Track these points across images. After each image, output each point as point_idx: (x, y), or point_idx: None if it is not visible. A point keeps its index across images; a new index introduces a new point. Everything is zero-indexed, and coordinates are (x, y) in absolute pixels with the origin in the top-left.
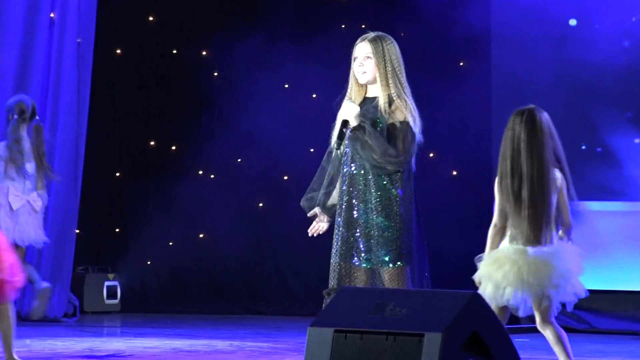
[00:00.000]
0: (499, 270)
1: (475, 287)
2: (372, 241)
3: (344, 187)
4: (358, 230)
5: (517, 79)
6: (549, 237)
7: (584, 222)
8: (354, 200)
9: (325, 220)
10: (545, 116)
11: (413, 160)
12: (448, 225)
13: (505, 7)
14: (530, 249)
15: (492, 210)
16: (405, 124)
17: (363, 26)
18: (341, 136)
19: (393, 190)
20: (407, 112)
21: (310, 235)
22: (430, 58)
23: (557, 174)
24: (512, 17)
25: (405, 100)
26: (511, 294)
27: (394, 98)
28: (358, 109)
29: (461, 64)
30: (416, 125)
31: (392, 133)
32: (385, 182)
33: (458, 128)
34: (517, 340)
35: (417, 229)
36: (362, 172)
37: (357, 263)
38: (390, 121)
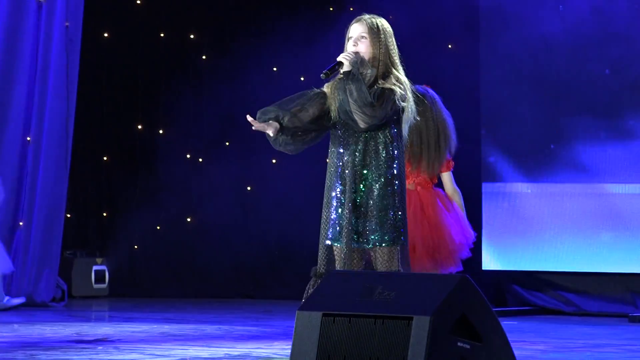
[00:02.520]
0: None
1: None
2: (372, 222)
3: (341, 169)
4: (357, 212)
5: (506, 60)
6: None
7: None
8: (353, 182)
9: (273, 128)
10: None
11: (402, 143)
12: None
13: None
14: None
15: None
16: (389, 90)
17: (351, 9)
18: (332, 70)
19: (391, 170)
20: (395, 83)
21: (250, 120)
22: (419, 40)
23: None
24: None
25: (398, 77)
26: None
27: (385, 78)
28: (359, 56)
29: (450, 46)
30: (404, 99)
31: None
32: (385, 162)
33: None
34: (505, 323)
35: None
36: (362, 152)
37: (356, 245)
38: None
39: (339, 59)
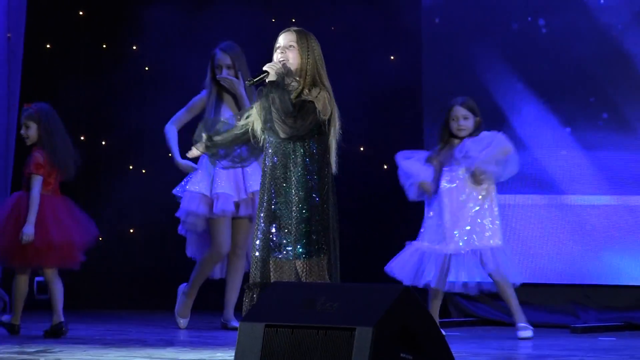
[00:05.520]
0: None
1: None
2: (290, 234)
3: (265, 180)
4: (276, 224)
5: (448, 72)
6: None
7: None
8: (273, 194)
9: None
10: None
11: (333, 154)
12: (380, 220)
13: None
14: None
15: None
16: (310, 102)
17: (293, 19)
18: (258, 78)
19: (311, 183)
20: (317, 96)
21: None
22: (361, 52)
23: None
24: (443, 9)
25: (321, 90)
26: None
27: (310, 90)
28: (285, 67)
29: (392, 57)
30: (326, 113)
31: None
32: (303, 175)
33: (389, 122)
34: (448, 334)
35: (333, 220)
36: (283, 164)
37: (280, 256)
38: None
39: (265, 68)
